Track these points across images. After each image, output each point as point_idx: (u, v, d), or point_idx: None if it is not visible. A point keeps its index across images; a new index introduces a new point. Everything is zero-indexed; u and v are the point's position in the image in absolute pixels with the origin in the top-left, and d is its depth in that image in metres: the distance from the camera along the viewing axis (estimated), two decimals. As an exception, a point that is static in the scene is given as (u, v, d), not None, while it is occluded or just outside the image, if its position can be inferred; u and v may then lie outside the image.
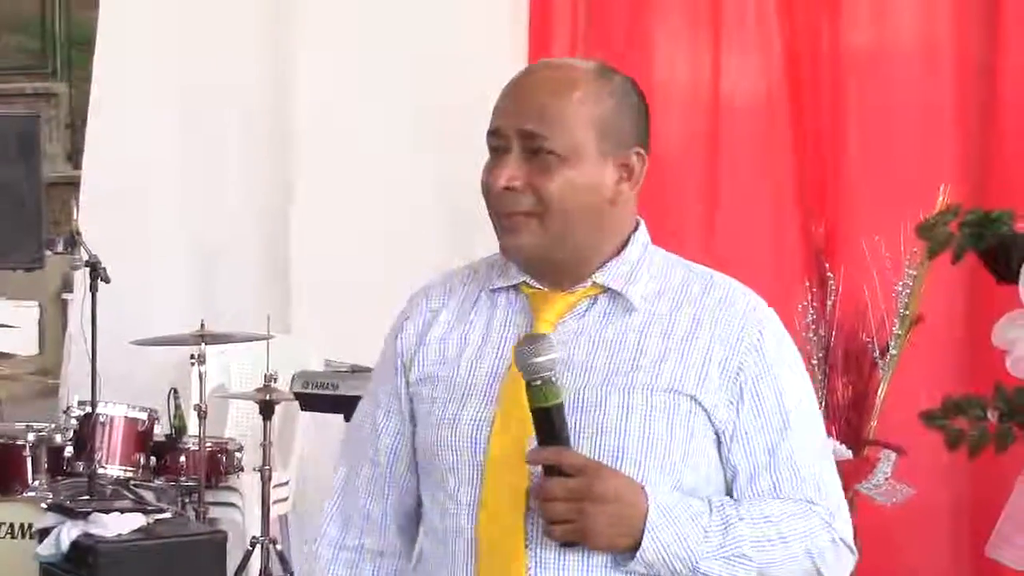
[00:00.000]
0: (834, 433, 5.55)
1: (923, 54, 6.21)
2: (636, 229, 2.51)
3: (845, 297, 5.63)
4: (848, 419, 5.57)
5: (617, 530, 2.29)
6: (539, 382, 2.29)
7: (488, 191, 2.42)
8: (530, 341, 2.33)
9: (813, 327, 5.61)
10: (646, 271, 2.47)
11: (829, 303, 5.63)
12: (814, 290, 5.70)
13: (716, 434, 2.41)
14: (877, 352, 5.53)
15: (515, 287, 2.49)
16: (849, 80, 6.25)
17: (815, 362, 5.60)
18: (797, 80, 6.32)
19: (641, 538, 2.29)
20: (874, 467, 5.45)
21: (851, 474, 5.43)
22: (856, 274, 5.66)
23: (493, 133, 2.43)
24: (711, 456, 2.42)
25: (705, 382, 2.39)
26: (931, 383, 5.74)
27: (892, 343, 5.52)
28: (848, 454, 5.46)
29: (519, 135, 2.39)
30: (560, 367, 2.34)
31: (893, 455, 5.45)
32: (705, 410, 2.38)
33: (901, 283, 5.51)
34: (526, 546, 2.36)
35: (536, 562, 2.36)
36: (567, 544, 2.31)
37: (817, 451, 2.46)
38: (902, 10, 6.24)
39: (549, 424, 2.29)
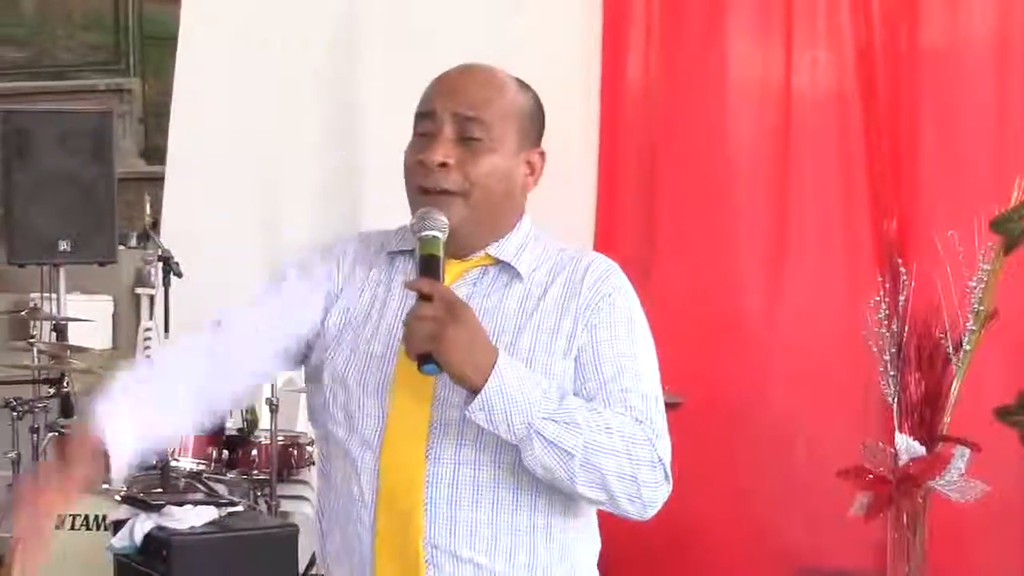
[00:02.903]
0: (907, 429, 5.52)
1: (998, 50, 6.16)
2: (522, 216, 2.78)
3: (918, 292, 5.60)
4: (921, 415, 5.54)
5: (470, 356, 2.47)
6: (427, 237, 2.59)
7: (420, 167, 2.66)
8: (424, 212, 2.63)
9: (886, 323, 5.59)
10: (530, 248, 2.74)
11: (902, 298, 5.60)
12: (887, 285, 5.67)
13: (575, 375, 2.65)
14: (951, 348, 5.50)
15: (412, 251, 2.69)
16: (923, 75, 6.20)
17: (887, 357, 5.57)
18: (870, 75, 6.28)
19: (489, 376, 2.47)
20: (948, 464, 5.42)
21: (925, 470, 5.41)
22: (929, 269, 5.63)
23: (427, 115, 2.68)
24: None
25: (571, 337, 2.64)
26: (1005, 379, 5.70)
27: (966, 338, 5.48)
28: (921, 450, 5.43)
29: (454, 119, 2.66)
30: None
31: (967, 451, 5.41)
32: (575, 353, 2.64)
33: (975, 278, 5.47)
34: (426, 455, 2.60)
35: (433, 458, 2.59)
36: (423, 361, 2.48)
37: (648, 391, 2.63)
38: (978, 7, 6.18)
39: (434, 270, 2.57)
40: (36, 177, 7.97)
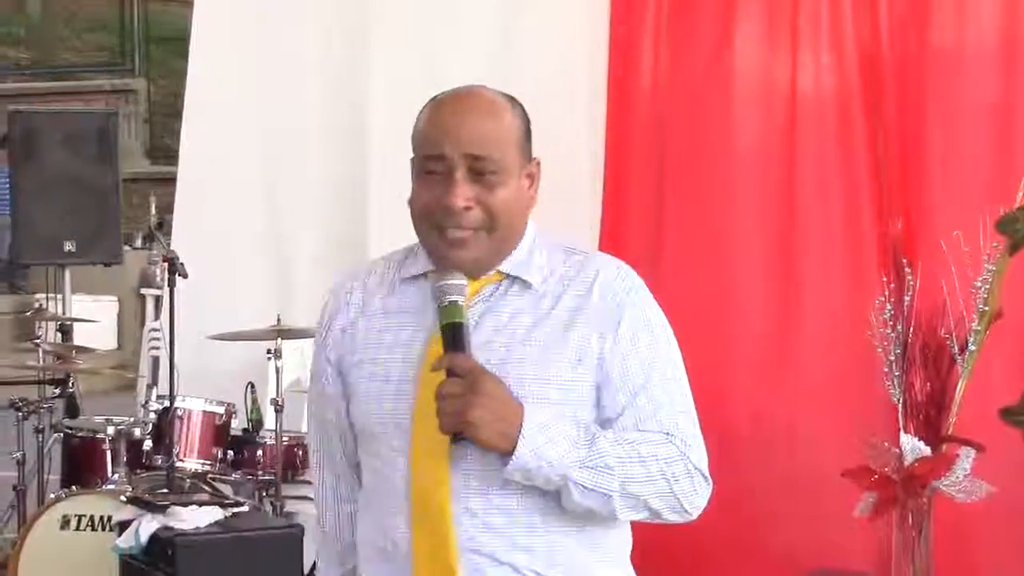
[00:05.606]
0: (912, 429, 5.52)
1: (1003, 50, 6.14)
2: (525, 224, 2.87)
3: (923, 293, 5.60)
4: (926, 415, 5.53)
5: (497, 426, 2.60)
6: (448, 303, 2.69)
7: (442, 211, 2.74)
8: (442, 274, 2.73)
9: (891, 323, 5.58)
10: (538, 254, 2.83)
11: (907, 299, 5.59)
12: (892, 286, 5.66)
13: (596, 384, 2.74)
14: (956, 348, 5.49)
15: (424, 275, 2.84)
16: (927, 75, 6.19)
17: (892, 358, 5.56)
18: (875, 77, 6.27)
19: (517, 441, 2.60)
20: (953, 464, 5.41)
21: (930, 471, 5.41)
22: (934, 269, 5.62)
23: (436, 158, 2.75)
24: (592, 404, 2.75)
25: (584, 345, 2.72)
26: (1011, 379, 5.68)
27: (971, 339, 5.48)
28: (926, 450, 5.42)
29: (465, 159, 2.72)
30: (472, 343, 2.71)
31: (972, 452, 5.40)
32: (594, 362, 2.72)
33: (980, 278, 5.46)
34: (451, 495, 2.70)
35: (461, 506, 2.70)
36: (456, 437, 2.62)
37: (676, 394, 2.80)
38: (984, 8, 6.17)
39: (456, 338, 2.67)
40: (41, 178, 7.99)
